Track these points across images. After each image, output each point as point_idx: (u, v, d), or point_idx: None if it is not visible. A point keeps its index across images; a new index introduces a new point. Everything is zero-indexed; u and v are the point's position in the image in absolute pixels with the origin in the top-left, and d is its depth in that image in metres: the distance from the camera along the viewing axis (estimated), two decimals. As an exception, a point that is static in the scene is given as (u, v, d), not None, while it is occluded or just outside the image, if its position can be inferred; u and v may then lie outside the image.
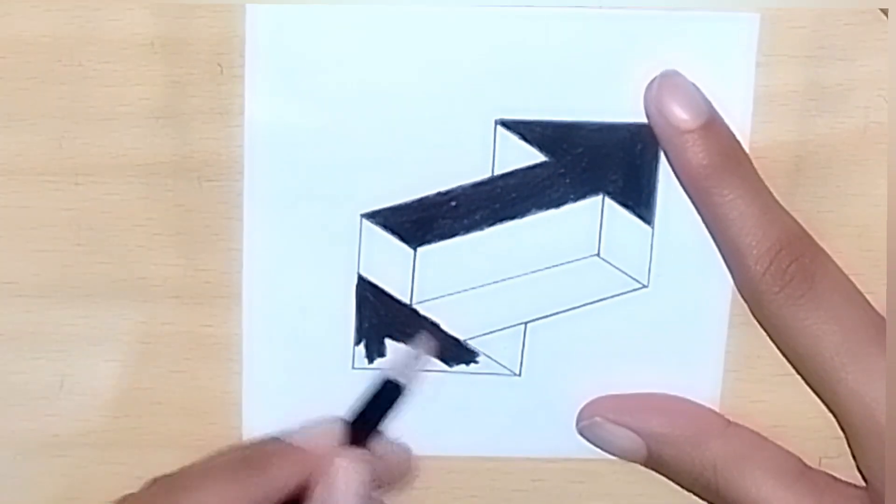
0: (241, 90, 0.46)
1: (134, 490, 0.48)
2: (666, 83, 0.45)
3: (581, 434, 0.48)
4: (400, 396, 0.47)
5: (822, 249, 0.45)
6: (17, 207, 0.47)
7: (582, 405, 0.48)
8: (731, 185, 0.44)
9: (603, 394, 0.48)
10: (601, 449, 0.48)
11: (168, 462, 0.49)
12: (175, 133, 0.46)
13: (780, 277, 0.44)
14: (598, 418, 0.48)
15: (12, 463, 0.49)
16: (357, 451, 0.46)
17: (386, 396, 0.47)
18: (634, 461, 0.48)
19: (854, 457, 0.45)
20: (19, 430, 0.49)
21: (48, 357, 0.48)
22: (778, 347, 0.46)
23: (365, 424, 0.47)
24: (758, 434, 0.47)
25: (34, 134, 0.46)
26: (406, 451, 0.48)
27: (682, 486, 0.47)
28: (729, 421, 0.47)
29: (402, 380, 0.47)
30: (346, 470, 0.45)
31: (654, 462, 0.47)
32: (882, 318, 0.45)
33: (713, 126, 0.45)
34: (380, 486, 0.47)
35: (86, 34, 0.46)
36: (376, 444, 0.47)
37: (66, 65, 0.46)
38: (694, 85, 0.45)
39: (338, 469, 0.45)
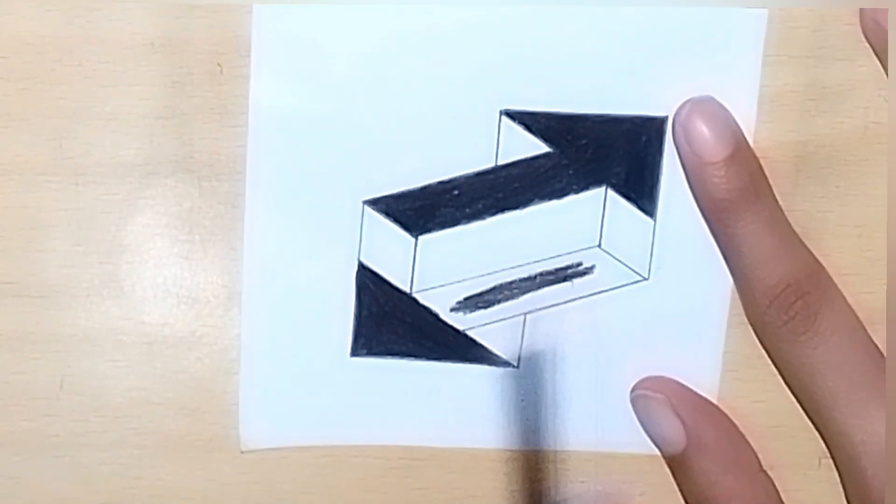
0: (241, 90, 0.46)
1: (134, 490, 0.49)
2: (696, 109, 0.45)
3: (634, 401, 0.48)
4: None
5: (832, 287, 0.46)
6: (17, 207, 0.47)
7: (640, 378, 0.48)
8: (746, 218, 0.45)
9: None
10: (643, 424, 0.48)
11: (168, 462, 0.49)
12: (175, 133, 0.46)
13: (785, 312, 0.45)
14: (661, 396, 0.48)
15: (12, 463, 0.49)
16: None
17: None
18: (662, 450, 0.48)
19: (844, 489, 0.46)
20: (19, 430, 0.49)
21: (48, 357, 0.48)
22: (779, 373, 0.46)
23: None
24: (777, 493, 0.47)
25: (34, 134, 0.46)
26: None
27: (682, 492, 0.47)
28: (761, 466, 0.48)
29: None
30: None
31: (677, 462, 0.47)
32: (883, 358, 0.45)
33: (737, 157, 0.45)
34: None
35: (86, 34, 0.45)
36: None
37: (66, 65, 0.46)
38: (725, 111, 0.45)
39: None
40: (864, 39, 0.45)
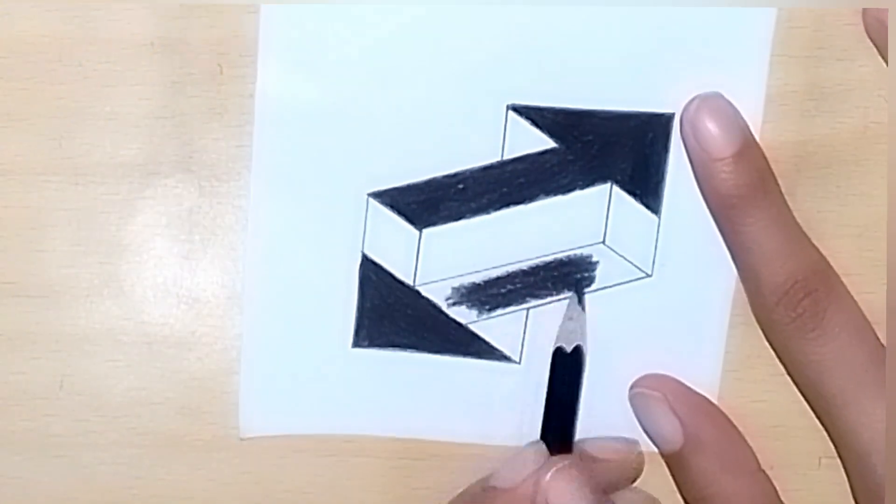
0: (241, 90, 0.46)
1: (134, 490, 0.49)
2: (704, 105, 0.45)
3: (632, 399, 0.48)
4: (581, 365, 0.47)
5: (840, 285, 0.46)
6: (17, 207, 0.47)
7: (639, 376, 0.48)
8: (754, 215, 0.45)
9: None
10: (641, 422, 0.48)
11: (168, 462, 0.49)
12: (175, 133, 0.47)
13: (793, 310, 0.45)
14: (659, 394, 0.47)
15: (12, 463, 0.49)
16: (561, 464, 0.46)
17: (567, 372, 0.47)
18: (660, 449, 0.48)
19: (851, 487, 0.46)
20: (19, 430, 0.49)
21: (48, 357, 0.48)
22: (786, 370, 0.46)
23: (561, 416, 0.47)
24: (775, 492, 0.47)
25: (34, 134, 0.46)
26: (627, 444, 0.48)
27: (680, 490, 0.47)
28: (759, 465, 0.47)
29: (574, 344, 0.47)
30: (556, 489, 0.45)
31: (675, 461, 0.47)
32: None
33: (745, 154, 0.44)
34: (610, 486, 0.47)
35: (86, 34, 0.46)
36: (591, 445, 0.47)
37: (66, 65, 0.46)
38: (733, 108, 0.45)
39: (547, 491, 0.45)
40: (864, 39, 0.46)
